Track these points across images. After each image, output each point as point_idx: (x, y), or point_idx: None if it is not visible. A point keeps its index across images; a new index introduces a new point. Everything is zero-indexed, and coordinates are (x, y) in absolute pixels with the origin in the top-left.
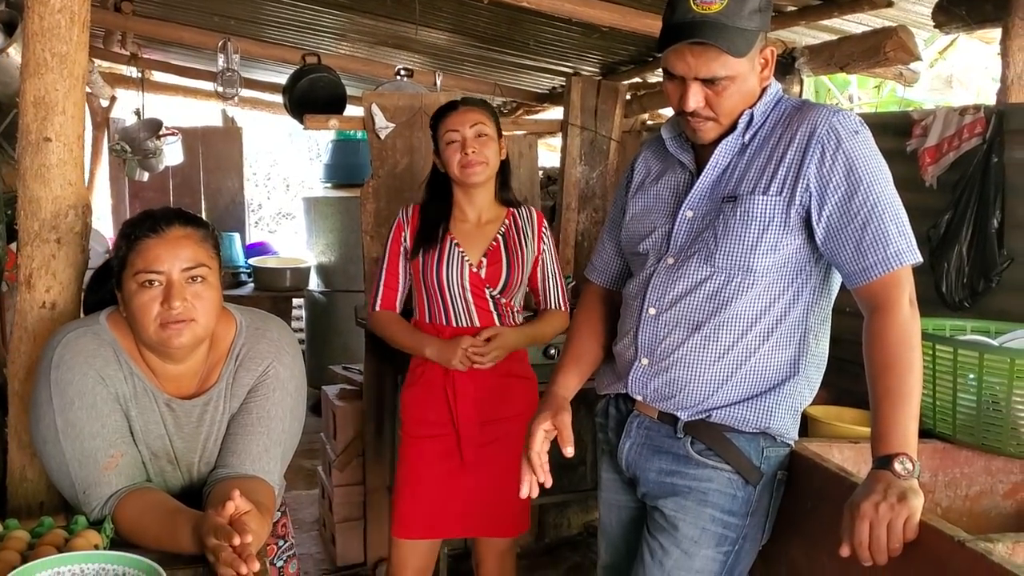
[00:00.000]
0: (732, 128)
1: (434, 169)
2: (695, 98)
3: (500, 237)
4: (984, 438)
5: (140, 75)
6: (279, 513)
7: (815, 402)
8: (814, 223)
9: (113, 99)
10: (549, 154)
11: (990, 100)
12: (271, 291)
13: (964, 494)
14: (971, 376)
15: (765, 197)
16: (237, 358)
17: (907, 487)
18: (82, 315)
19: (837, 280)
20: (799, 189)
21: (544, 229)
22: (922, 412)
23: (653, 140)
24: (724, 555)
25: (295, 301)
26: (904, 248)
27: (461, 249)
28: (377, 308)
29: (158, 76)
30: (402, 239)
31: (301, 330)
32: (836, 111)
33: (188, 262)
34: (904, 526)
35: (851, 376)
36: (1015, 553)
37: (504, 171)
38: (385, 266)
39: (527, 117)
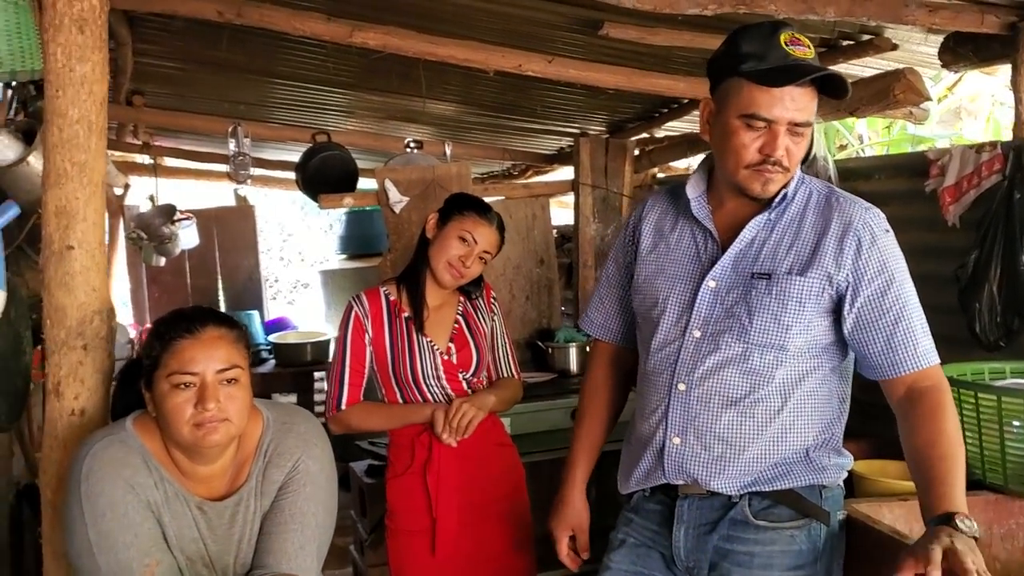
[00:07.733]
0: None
1: (422, 237)
2: (784, 144)
3: (460, 318)
4: None
5: (153, 162)
6: None
7: (857, 456)
8: (845, 311)
9: (127, 187)
10: (562, 212)
11: (1001, 127)
12: (292, 366)
13: (1023, 546)
14: (1016, 423)
15: (802, 279)
16: (266, 455)
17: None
18: (109, 419)
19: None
20: (835, 277)
21: (493, 299)
22: (969, 463)
23: (660, 195)
24: None
25: (316, 374)
26: (929, 348)
27: (428, 339)
28: (343, 407)
29: (169, 161)
30: (365, 330)
31: (323, 402)
32: (868, 207)
33: (222, 363)
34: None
35: (885, 422)
36: None
37: None
38: (349, 363)
39: (537, 179)
